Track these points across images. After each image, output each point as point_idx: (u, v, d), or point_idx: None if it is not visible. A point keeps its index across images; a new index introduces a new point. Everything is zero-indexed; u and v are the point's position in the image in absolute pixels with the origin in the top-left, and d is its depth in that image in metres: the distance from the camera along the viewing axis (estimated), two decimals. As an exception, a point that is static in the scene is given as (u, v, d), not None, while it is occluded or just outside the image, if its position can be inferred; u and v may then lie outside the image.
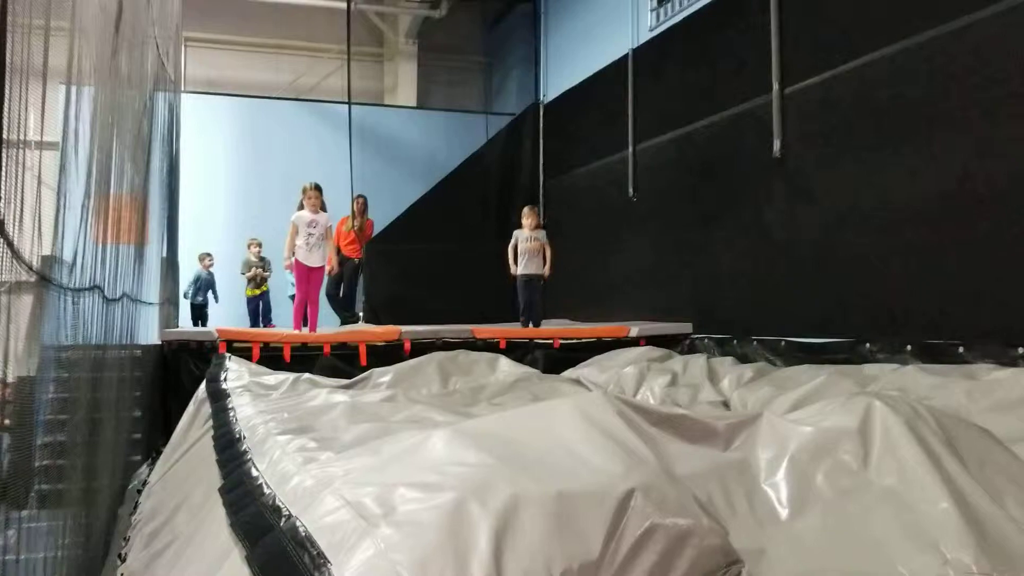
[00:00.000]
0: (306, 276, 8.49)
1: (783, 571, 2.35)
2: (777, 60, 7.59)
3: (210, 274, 12.03)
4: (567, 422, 2.46)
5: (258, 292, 11.73)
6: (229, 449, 3.82)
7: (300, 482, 2.43)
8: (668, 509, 2.13)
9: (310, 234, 8.41)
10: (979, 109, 5.72)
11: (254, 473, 2.90)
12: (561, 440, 2.35)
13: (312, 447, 3.01)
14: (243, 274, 11.89)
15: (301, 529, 2.06)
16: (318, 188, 8.62)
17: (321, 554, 1.93)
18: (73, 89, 3.10)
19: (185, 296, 11.68)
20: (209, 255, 12.07)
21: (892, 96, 6.43)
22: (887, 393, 3.33)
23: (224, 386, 6.07)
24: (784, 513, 2.57)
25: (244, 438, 3.87)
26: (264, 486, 2.65)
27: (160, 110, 7.74)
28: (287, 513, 2.24)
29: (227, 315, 12.16)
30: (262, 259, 11.80)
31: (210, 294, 12.06)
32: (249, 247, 11.85)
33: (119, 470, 6.67)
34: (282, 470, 2.72)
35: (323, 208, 8.64)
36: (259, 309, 11.76)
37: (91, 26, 3.42)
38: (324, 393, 5.14)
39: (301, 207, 8.55)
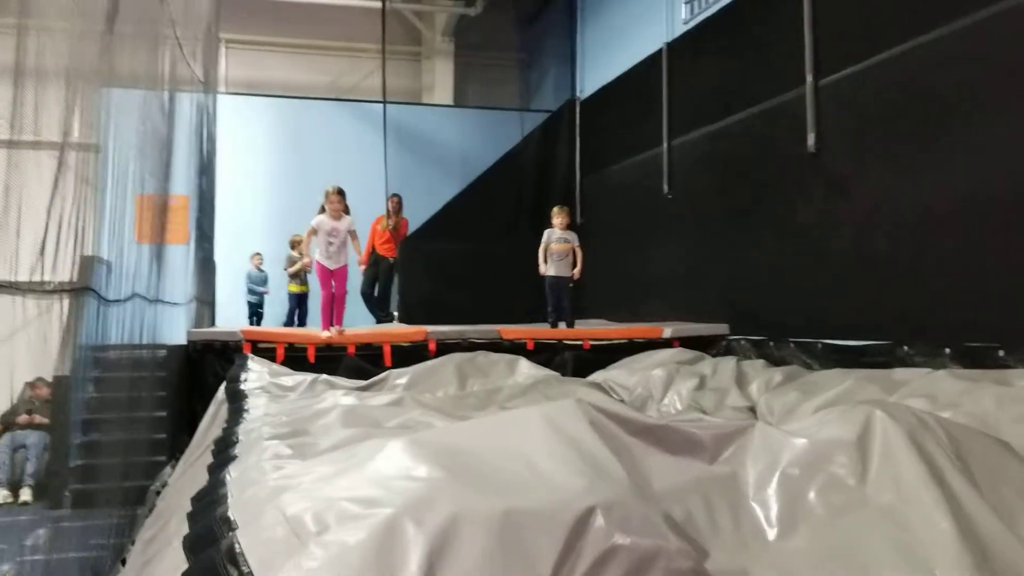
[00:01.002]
0: (329, 276, 8.19)
1: (765, 596, 2.19)
2: (811, 50, 7.31)
3: (261, 272, 12.15)
4: (533, 433, 2.32)
5: (303, 289, 11.79)
6: (221, 454, 3.75)
7: (255, 493, 2.33)
8: (632, 529, 1.98)
9: (330, 242, 8.08)
10: (1018, 99, 5.41)
11: (226, 480, 2.80)
12: (522, 453, 2.21)
13: (287, 454, 2.91)
14: (285, 270, 11.95)
15: (236, 546, 1.95)
16: (340, 192, 8.23)
17: (250, 574, 1.82)
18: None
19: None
20: (258, 254, 12.19)
21: (929, 87, 6.13)
22: (893, 401, 3.11)
23: (243, 387, 6.05)
24: (771, 532, 2.40)
25: (239, 441, 3.80)
26: (228, 495, 2.55)
27: (184, 110, 7.74)
28: (235, 527, 2.14)
29: (274, 314, 12.28)
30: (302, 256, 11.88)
31: (263, 291, 12.18)
32: (294, 247, 11.92)
33: (140, 470, 6.70)
34: (249, 478, 2.63)
35: (346, 211, 8.31)
36: (297, 308, 11.80)
37: (62, 23, 3.36)
38: (334, 395, 5.06)
39: (322, 210, 8.17)
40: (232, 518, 2.20)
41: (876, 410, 2.58)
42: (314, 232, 8.14)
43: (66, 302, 8.55)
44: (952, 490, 2.33)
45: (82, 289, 8.40)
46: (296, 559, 1.77)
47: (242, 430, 4.07)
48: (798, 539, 2.35)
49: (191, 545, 2.19)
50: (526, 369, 6.57)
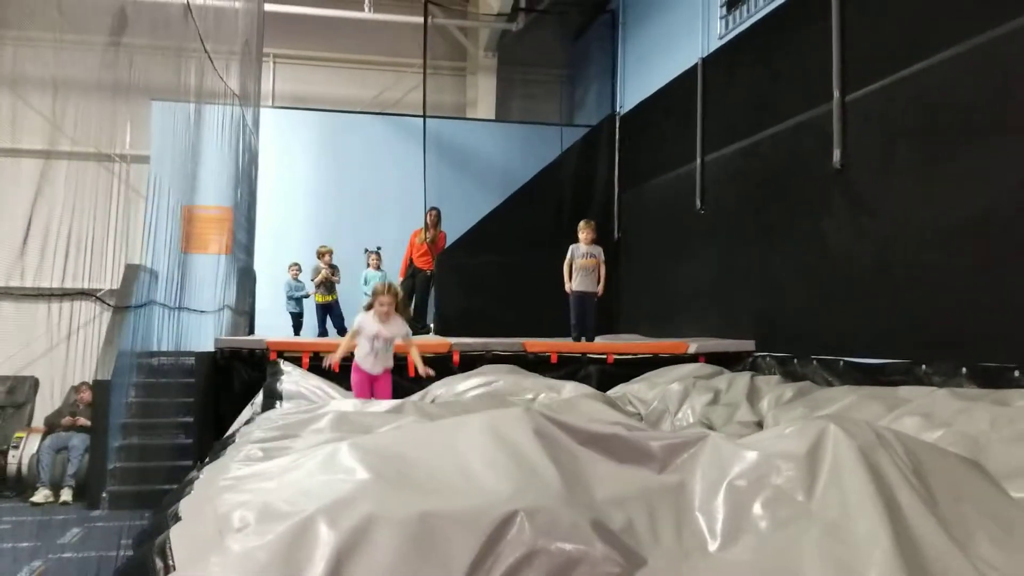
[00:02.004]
0: (368, 382, 6.67)
1: (700, 606, 2.20)
2: (838, 66, 7.24)
3: (299, 282, 12.24)
4: (474, 439, 2.36)
5: (328, 299, 11.87)
6: (215, 454, 3.87)
7: (205, 491, 2.42)
8: (556, 534, 2.01)
9: (375, 347, 6.59)
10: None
11: (194, 479, 2.90)
12: (459, 457, 2.25)
13: (257, 456, 2.99)
14: (312, 280, 12.08)
15: (168, 540, 2.04)
16: (393, 291, 6.68)
17: (170, 567, 1.90)
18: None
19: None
20: (296, 264, 12.29)
21: (952, 102, 6.03)
22: (854, 417, 3.08)
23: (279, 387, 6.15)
24: (713, 543, 2.40)
25: (234, 443, 3.91)
26: (187, 493, 2.65)
27: (216, 123, 7.97)
28: (177, 521, 2.22)
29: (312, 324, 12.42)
30: (332, 267, 11.97)
31: (304, 302, 12.25)
32: (321, 257, 12.04)
33: (166, 474, 6.89)
34: (211, 476, 2.72)
35: (398, 309, 6.71)
36: (327, 317, 11.91)
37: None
38: (343, 403, 5.15)
39: (369, 307, 6.69)
40: (180, 512, 2.29)
41: (830, 425, 2.56)
42: (357, 334, 6.69)
43: (108, 310, 8.80)
44: (899, 506, 2.31)
45: (125, 296, 8.67)
46: (212, 556, 1.84)
47: (242, 431, 4.18)
48: (739, 550, 2.34)
49: (138, 538, 2.29)
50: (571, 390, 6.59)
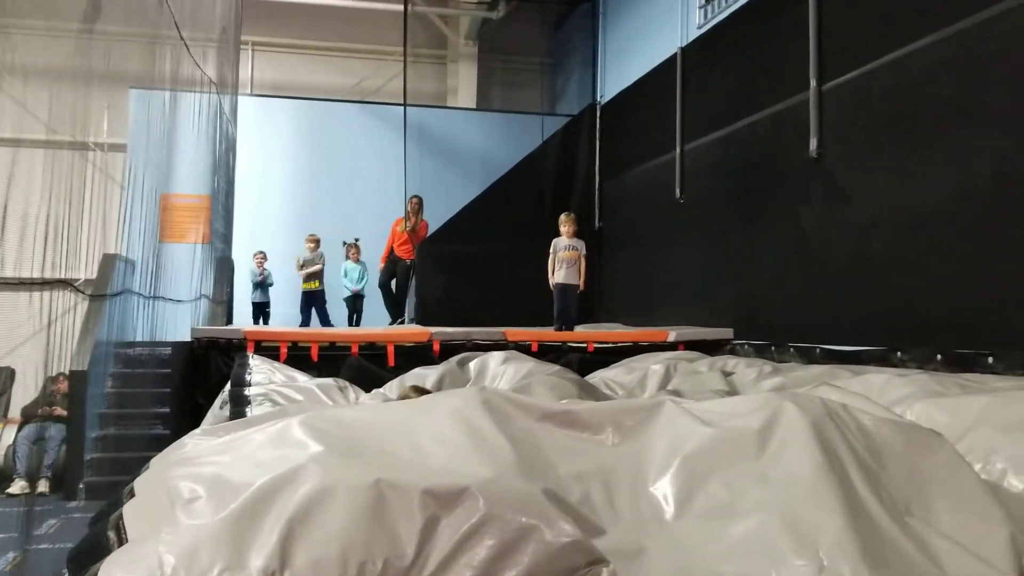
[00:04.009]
0: None
1: (658, 572, 2.20)
2: (815, 55, 7.26)
3: (263, 272, 12.09)
4: (427, 417, 2.36)
5: (312, 287, 11.83)
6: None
7: (161, 465, 2.40)
8: (508, 506, 2.01)
9: None
10: (1017, 102, 5.32)
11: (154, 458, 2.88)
12: (413, 434, 2.25)
13: (220, 432, 2.97)
14: (299, 268, 12.01)
15: (122, 515, 2.02)
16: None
17: (123, 540, 1.89)
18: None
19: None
20: (260, 252, 12.12)
21: (926, 91, 6.06)
22: (807, 393, 3.10)
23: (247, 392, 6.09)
24: (669, 512, 2.42)
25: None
26: (146, 469, 2.63)
27: (193, 111, 7.90)
28: (132, 496, 2.21)
29: (287, 315, 12.37)
30: (317, 254, 11.94)
31: (271, 291, 12.15)
32: (307, 243, 11.99)
33: (141, 464, 6.85)
34: (167, 453, 2.70)
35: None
36: (312, 306, 11.87)
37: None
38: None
39: None
40: (133, 490, 2.27)
41: (784, 400, 2.58)
42: None
43: (86, 299, 8.71)
44: (849, 479, 2.33)
45: (102, 285, 8.60)
46: (165, 527, 1.83)
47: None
48: (694, 520, 2.37)
49: (95, 518, 2.27)
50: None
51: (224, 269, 10.73)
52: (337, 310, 12.00)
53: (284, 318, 12.22)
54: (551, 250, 9.02)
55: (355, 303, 11.91)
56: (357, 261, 12.01)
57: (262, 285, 11.93)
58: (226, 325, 9.95)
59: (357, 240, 12.08)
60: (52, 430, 9.24)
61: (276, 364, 7.10)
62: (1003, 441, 3.10)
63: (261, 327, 10.69)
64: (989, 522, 2.40)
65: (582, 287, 9.11)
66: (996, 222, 5.48)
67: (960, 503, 2.38)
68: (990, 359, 5.34)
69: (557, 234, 9.17)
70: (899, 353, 6.15)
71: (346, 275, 11.93)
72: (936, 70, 5.98)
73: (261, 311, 12.10)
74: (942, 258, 5.92)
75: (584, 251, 9.06)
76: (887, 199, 6.45)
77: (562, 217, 9.11)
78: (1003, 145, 5.44)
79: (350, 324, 11.73)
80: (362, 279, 11.94)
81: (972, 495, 2.41)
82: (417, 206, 11.69)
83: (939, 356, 5.77)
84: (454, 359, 6.97)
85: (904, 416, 3.22)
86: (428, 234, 11.85)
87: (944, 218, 5.89)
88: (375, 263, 11.92)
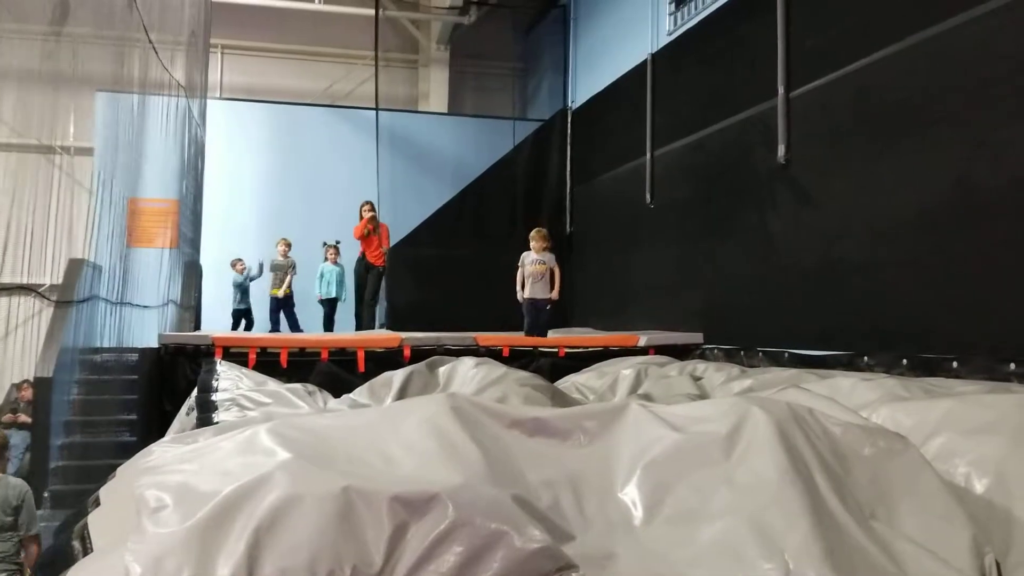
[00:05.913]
0: None
1: (627, 576, 2.21)
2: (783, 62, 7.34)
3: (246, 278, 12.03)
4: (395, 424, 2.36)
5: (280, 293, 11.74)
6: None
7: (127, 473, 2.38)
8: (477, 512, 2.01)
9: None
10: (978, 109, 5.42)
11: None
12: (382, 441, 2.25)
13: (188, 440, 2.94)
14: (271, 271, 11.92)
15: (86, 524, 2.00)
16: None
17: (88, 549, 1.87)
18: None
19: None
20: (240, 260, 12.07)
21: (892, 98, 6.15)
22: (774, 397, 3.13)
23: (214, 397, 6.03)
24: (638, 517, 2.43)
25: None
26: (112, 478, 2.60)
27: (161, 114, 7.83)
28: (97, 506, 2.19)
29: (258, 321, 12.27)
30: (287, 259, 11.86)
31: (250, 298, 12.06)
32: (277, 246, 11.91)
33: (107, 472, 6.76)
34: (133, 462, 2.67)
35: None
36: (280, 312, 11.79)
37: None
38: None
39: None
40: (99, 499, 2.25)
41: (751, 404, 2.61)
42: None
43: (51, 305, 8.60)
44: (814, 483, 2.37)
45: (68, 291, 8.48)
46: (131, 536, 1.81)
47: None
48: (663, 525, 2.38)
49: (59, 528, 2.24)
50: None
51: (192, 274, 10.63)
52: (309, 314, 11.90)
53: (256, 324, 12.14)
54: (519, 264, 9.01)
55: (332, 304, 11.82)
56: (335, 263, 11.94)
57: (245, 287, 11.87)
58: (194, 331, 9.86)
59: (338, 243, 12.00)
60: (16, 438, 9.09)
61: (244, 370, 7.03)
62: (966, 444, 3.14)
63: (231, 333, 10.59)
64: (952, 524, 2.45)
65: (555, 298, 9.10)
66: (959, 228, 5.56)
67: (924, 506, 2.42)
68: (954, 363, 5.43)
69: (528, 239, 9.16)
70: (865, 358, 6.23)
71: (322, 277, 11.84)
72: (901, 78, 6.07)
73: (245, 317, 12.02)
74: (907, 264, 6.01)
75: (554, 264, 9.03)
76: (853, 205, 6.53)
77: (532, 232, 9.06)
78: (964, 153, 5.53)
79: (325, 327, 11.65)
80: (340, 283, 11.84)
81: (936, 498, 2.45)
82: (371, 210, 11.45)
83: (904, 361, 5.85)
84: (424, 362, 6.95)
85: (870, 420, 3.25)
86: (388, 234, 11.70)
87: (908, 224, 5.98)
88: (353, 267, 11.84)
